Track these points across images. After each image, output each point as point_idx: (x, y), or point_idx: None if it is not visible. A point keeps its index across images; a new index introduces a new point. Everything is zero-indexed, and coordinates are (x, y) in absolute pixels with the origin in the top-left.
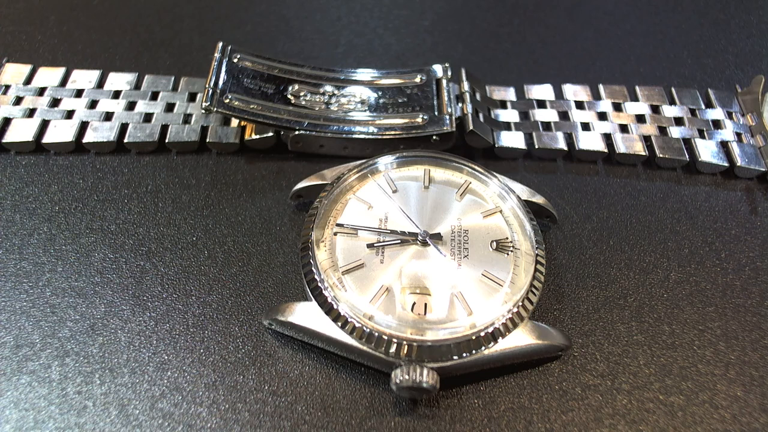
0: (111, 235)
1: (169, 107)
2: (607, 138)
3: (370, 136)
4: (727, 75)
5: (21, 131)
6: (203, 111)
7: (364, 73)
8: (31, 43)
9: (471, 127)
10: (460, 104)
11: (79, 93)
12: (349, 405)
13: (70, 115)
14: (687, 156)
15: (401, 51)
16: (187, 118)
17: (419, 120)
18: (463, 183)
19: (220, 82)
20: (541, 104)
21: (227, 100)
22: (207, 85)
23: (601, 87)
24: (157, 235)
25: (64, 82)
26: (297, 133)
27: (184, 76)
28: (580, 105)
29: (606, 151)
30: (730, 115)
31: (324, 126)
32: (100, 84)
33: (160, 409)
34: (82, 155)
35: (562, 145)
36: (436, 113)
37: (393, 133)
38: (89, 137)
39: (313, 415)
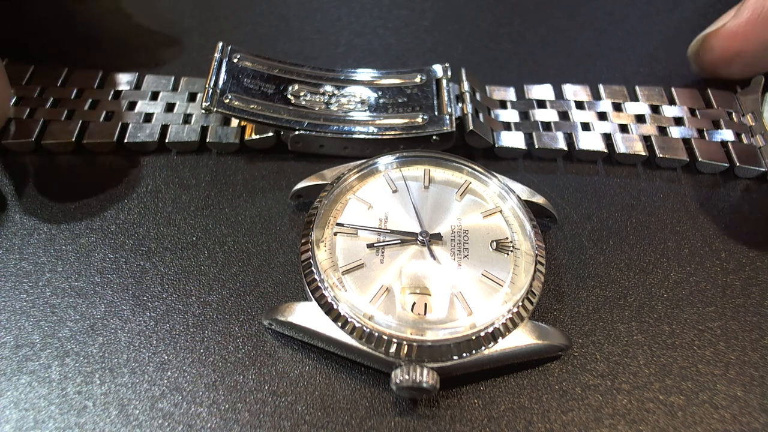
0: (111, 235)
1: (170, 107)
2: (607, 138)
3: (370, 136)
4: None
5: (21, 132)
6: (203, 111)
7: (364, 73)
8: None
9: (471, 127)
10: (460, 104)
11: (79, 93)
12: (349, 405)
13: (70, 115)
14: (687, 156)
15: (401, 51)
16: (187, 118)
17: (419, 120)
18: (463, 183)
19: (220, 82)
20: (541, 104)
21: (227, 100)
22: (207, 85)
23: (601, 87)
24: (157, 235)
25: (64, 83)
26: (297, 133)
27: (184, 76)
28: (580, 105)
29: (606, 151)
30: (730, 115)
31: (324, 126)
32: (101, 84)
33: (160, 409)
34: (82, 155)
35: (562, 145)
36: (436, 113)
37: (393, 133)
38: (89, 138)
39: (313, 415)
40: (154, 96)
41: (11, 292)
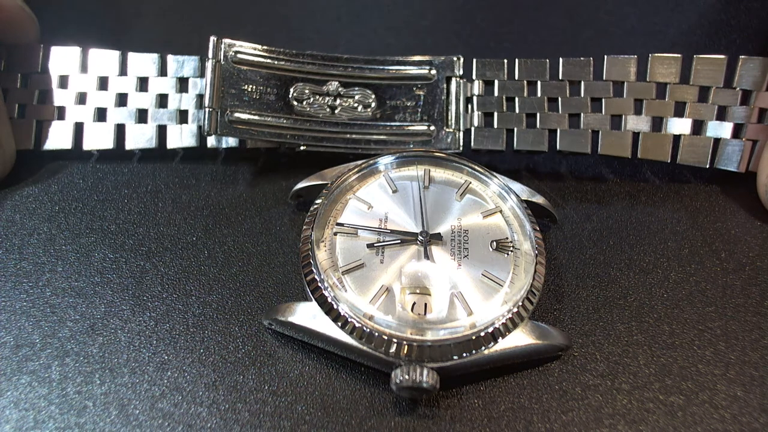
0: (111, 235)
1: (162, 101)
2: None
3: (374, 149)
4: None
5: (18, 138)
6: (205, 134)
7: (371, 67)
8: None
9: (475, 146)
10: (468, 114)
11: (63, 80)
12: (349, 405)
13: (61, 114)
14: (709, 161)
15: (401, 51)
16: (183, 117)
17: (426, 130)
18: (463, 183)
19: (218, 97)
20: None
21: (228, 118)
22: (206, 105)
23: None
24: (157, 235)
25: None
26: (302, 149)
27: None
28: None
29: (629, 157)
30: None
31: (328, 140)
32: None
33: (160, 409)
34: (82, 156)
35: (587, 147)
36: (443, 123)
37: (398, 148)
38: (87, 144)
39: (313, 415)
40: (143, 85)
41: (11, 292)
